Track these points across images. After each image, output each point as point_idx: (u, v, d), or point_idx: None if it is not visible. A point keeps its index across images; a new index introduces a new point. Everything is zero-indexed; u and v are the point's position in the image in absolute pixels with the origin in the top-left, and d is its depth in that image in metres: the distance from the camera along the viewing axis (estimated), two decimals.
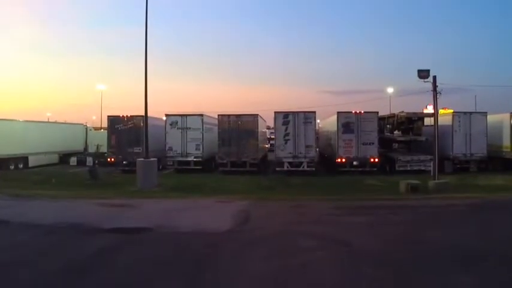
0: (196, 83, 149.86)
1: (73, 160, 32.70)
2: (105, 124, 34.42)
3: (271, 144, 31.71)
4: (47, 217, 11.52)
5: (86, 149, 36.02)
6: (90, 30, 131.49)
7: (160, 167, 24.28)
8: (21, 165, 28.99)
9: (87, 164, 31.30)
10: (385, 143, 27.75)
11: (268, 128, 39.31)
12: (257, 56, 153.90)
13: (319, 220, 11.62)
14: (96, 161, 31.30)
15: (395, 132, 27.85)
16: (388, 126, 28.96)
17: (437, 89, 19.24)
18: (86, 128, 39.39)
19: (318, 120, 31.42)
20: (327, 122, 30.87)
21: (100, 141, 32.11)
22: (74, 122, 40.75)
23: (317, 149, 27.61)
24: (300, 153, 23.83)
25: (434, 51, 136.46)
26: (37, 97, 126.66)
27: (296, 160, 23.82)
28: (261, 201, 14.84)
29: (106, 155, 28.18)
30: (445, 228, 10.44)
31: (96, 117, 78.24)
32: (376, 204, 14.40)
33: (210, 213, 12.66)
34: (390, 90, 66.41)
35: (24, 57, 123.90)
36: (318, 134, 29.24)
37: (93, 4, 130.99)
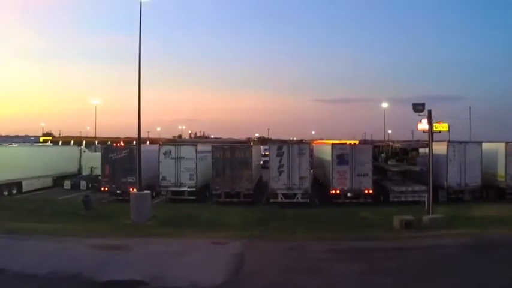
0: (188, 91, 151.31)
1: (67, 184, 32.51)
2: (99, 134, 34.34)
3: (265, 161, 31.48)
4: (42, 264, 11.39)
5: (79, 171, 35.88)
6: (84, 37, 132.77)
7: (154, 194, 24.23)
8: (14, 191, 28.83)
9: (81, 188, 31.32)
10: (379, 171, 27.84)
11: (263, 138, 39.19)
12: (249, 65, 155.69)
13: (312, 268, 11.63)
14: (90, 185, 31.30)
15: (390, 160, 27.98)
16: (382, 155, 29.10)
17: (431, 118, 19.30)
18: (80, 150, 39.38)
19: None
20: (322, 149, 30.95)
21: (94, 163, 32.01)
22: (68, 127, 40.91)
23: (311, 171, 27.61)
24: (294, 184, 23.86)
25: (428, 59, 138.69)
26: (32, 103, 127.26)
27: (290, 192, 23.83)
28: (255, 241, 14.88)
29: (100, 177, 28.09)
30: (440, 280, 10.45)
31: (90, 128, 79.05)
32: (370, 246, 14.44)
33: (204, 259, 12.59)
34: (385, 105, 67.30)
35: (20, 64, 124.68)
36: (312, 152, 29.16)
37: (90, 11, 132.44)
